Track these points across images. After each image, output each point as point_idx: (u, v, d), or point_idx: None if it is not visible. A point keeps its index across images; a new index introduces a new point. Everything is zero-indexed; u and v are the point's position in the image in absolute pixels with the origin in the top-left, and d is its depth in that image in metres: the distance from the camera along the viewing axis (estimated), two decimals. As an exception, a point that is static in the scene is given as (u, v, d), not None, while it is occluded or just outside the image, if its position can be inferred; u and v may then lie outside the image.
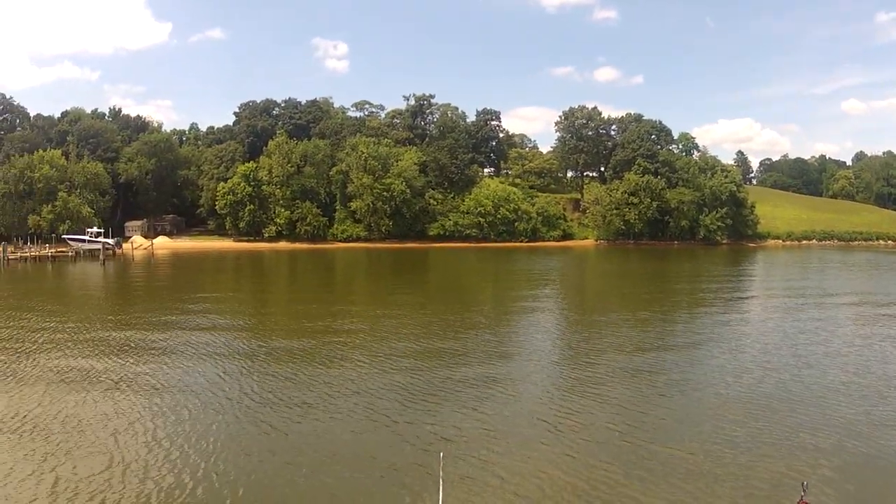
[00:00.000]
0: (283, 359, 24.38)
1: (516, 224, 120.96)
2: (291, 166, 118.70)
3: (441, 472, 9.85)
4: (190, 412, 17.57)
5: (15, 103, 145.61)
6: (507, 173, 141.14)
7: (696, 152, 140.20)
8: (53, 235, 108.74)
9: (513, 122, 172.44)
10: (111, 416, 17.25)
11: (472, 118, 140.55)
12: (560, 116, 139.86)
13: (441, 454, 11.34)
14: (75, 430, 16.07)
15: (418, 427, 16.15)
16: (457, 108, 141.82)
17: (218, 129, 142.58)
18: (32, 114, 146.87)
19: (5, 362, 23.97)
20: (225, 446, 14.97)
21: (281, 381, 20.87)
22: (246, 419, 16.95)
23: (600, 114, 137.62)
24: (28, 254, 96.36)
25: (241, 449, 14.81)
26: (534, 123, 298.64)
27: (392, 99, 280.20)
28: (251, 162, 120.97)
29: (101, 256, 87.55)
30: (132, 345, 27.00)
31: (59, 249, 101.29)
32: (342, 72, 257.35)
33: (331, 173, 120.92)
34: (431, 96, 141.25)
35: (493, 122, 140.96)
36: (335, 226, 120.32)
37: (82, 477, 13.25)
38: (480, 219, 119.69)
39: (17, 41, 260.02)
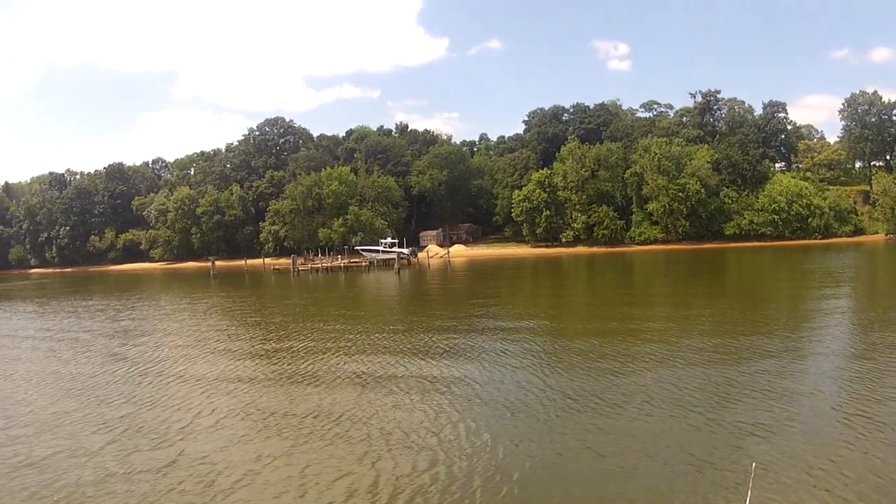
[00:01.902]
0: (587, 358, 26.62)
1: (809, 220, 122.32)
2: (585, 171, 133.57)
3: (751, 484, 10.40)
4: (506, 411, 19.64)
5: (296, 125, 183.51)
6: (797, 167, 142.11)
7: None
8: (346, 247, 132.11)
9: (798, 113, 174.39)
10: (431, 416, 19.53)
11: (757, 111, 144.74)
12: (843, 104, 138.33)
13: (753, 465, 12.16)
14: (396, 429, 18.44)
15: (726, 425, 17.19)
16: (743, 102, 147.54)
17: (509, 137, 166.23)
18: (315, 134, 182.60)
19: (320, 364, 28.25)
20: (541, 446, 16.67)
21: (588, 380, 22.89)
22: (559, 419, 18.72)
23: (881, 98, 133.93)
24: (319, 265, 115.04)
25: (554, 449, 16.33)
26: (819, 112, 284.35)
27: (676, 96, 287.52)
28: (545, 168, 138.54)
29: (395, 266, 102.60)
30: (439, 347, 30.88)
31: (352, 260, 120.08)
32: (625, 72, 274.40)
33: (625, 176, 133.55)
34: (717, 92, 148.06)
35: (780, 115, 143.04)
36: (632, 228, 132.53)
37: (402, 475, 15.15)
38: (774, 216, 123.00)
39: (291, 67, 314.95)
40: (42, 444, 18.99)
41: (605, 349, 28.22)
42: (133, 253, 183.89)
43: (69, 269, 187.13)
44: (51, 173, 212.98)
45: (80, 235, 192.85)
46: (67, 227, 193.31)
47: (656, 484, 13.88)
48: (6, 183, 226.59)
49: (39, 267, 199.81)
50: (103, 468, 16.70)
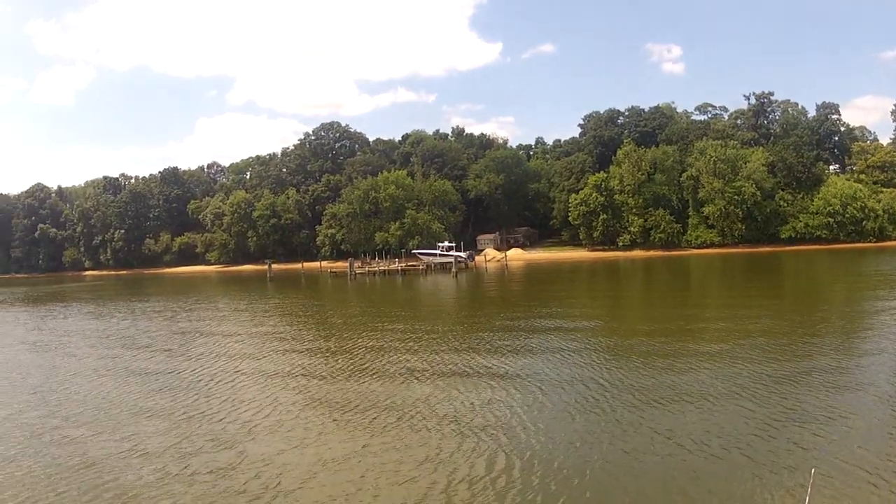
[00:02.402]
0: (647, 357, 28.75)
1: (864, 223, 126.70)
2: (642, 174, 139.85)
3: (809, 490, 10.86)
4: (573, 410, 21.33)
5: (352, 130, 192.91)
6: (850, 169, 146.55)
7: None
8: (403, 250, 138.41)
9: (850, 114, 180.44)
10: (500, 415, 21.14)
11: (811, 113, 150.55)
12: (895, 105, 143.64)
13: (812, 470, 12.54)
14: (468, 429, 19.86)
15: (786, 425, 18.40)
16: (797, 104, 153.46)
17: (565, 141, 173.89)
18: (371, 139, 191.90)
19: (384, 363, 30.56)
20: (612, 445, 17.82)
21: (648, 378, 24.70)
22: (624, 417, 20.16)
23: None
24: (376, 268, 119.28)
25: (624, 449, 17.49)
26: (871, 114, 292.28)
27: (730, 98, 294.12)
28: (601, 172, 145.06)
29: (452, 269, 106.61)
30: (502, 347, 33.61)
31: (409, 263, 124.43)
32: (679, 74, 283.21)
33: (681, 179, 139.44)
34: (771, 93, 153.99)
35: (834, 116, 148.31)
36: (688, 232, 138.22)
37: (476, 476, 16.16)
38: (829, 219, 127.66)
39: (345, 71, 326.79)
40: (99, 445, 20.31)
41: (664, 348, 30.56)
42: (188, 256, 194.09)
43: (123, 272, 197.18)
44: (105, 177, 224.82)
45: (135, 238, 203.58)
46: (122, 230, 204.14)
47: (720, 485, 14.77)
48: (59, 187, 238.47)
49: (93, 269, 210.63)
50: (163, 470, 17.73)
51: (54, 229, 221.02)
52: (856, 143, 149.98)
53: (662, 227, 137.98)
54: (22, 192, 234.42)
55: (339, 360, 32.19)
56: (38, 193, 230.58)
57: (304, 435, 20.29)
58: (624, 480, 15.49)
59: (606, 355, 30.08)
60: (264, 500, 15.67)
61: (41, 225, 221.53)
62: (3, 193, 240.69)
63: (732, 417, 19.55)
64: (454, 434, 19.50)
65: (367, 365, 30.64)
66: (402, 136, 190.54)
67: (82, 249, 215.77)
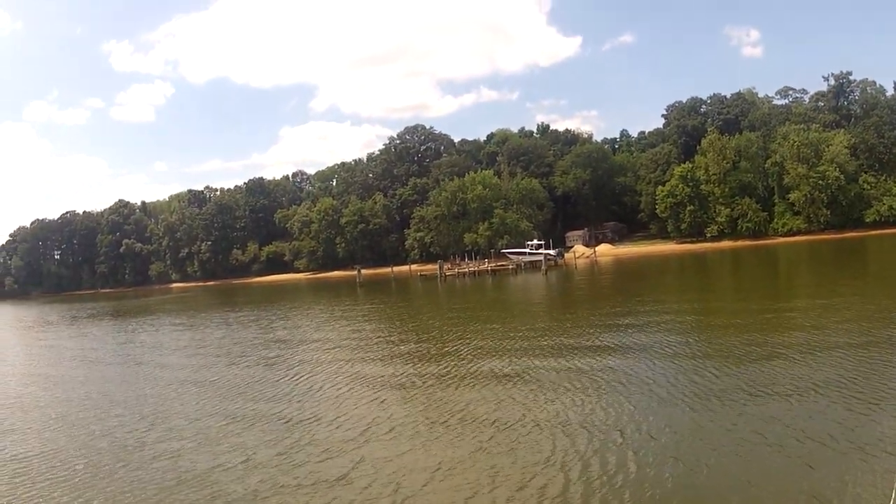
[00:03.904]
0: (746, 350, 30.31)
1: None
2: (727, 163, 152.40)
3: (893, 497, 10.75)
4: (682, 405, 22.67)
5: (436, 132, 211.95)
6: None
7: None
8: (492, 251, 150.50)
9: None
10: (611, 413, 22.42)
11: (889, 91, 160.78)
12: None
13: None
14: (580, 429, 20.98)
15: (871, 424, 18.77)
16: (874, 83, 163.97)
17: (649, 133, 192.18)
18: (456, 140, 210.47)
19: (488, 365, 32.27)
20: (722, 438, 18.94)
21: (752, 372, 26.04)
22: (702, 411, 21.66)
23: None
24: (466, 269, 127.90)
25: (705, 442, 18.78)
26: None
27: (810, 80, 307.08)
28: (686, 163, 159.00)
29: (542, 267, 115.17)
30: (605, 344, 35.38)
31: (498, 263, 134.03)
32: (758, 58, 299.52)
33: (765, 166, 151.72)
34: (849, 73, 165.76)
35: None
36: (775, 220, 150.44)
37: (592, 476, 17.12)
38: None
39: (427, 73, 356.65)
40: (203, 457, 21.11)
41: (761, 340, 32.30)
42: (276, 264, 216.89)
43: (211, 282, 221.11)
44: (190, 191, 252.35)
45: (222, 249, 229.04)
46: (209, 242, 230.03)
47: (832, 480, 15.43)
48: (143, 202, 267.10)
49: (180, 281, 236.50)
50: (272, 480, 18.62)
51: (140, 244, 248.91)
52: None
53: (749, 215, 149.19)
54: (106, 209, 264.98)
55: (442, 364, 34.09)
56: (122, 209, 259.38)
57: (413, 441, 21.24)
58: (744, 474, 16.42)
59: (713, 351, 31.76)
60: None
61: (126, 240, 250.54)
62: (88, 211, 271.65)
63: (839, 409, 20.42)
64: (564, 434, 20.57)
65: (469, 367, 32.53)
66: (487, 136, 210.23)
67: (168, 262, 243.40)
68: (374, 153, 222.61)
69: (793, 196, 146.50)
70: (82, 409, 30.57)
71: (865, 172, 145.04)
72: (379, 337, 48.64)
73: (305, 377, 33.35)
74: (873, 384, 22.55)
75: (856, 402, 20.69)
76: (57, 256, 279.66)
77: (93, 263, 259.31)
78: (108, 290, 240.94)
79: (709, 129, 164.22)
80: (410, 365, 34.69)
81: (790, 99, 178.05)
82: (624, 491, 16.07)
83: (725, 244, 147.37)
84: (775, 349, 30.00)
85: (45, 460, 22.47)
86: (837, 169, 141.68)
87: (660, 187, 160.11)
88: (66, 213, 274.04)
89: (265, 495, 17.65)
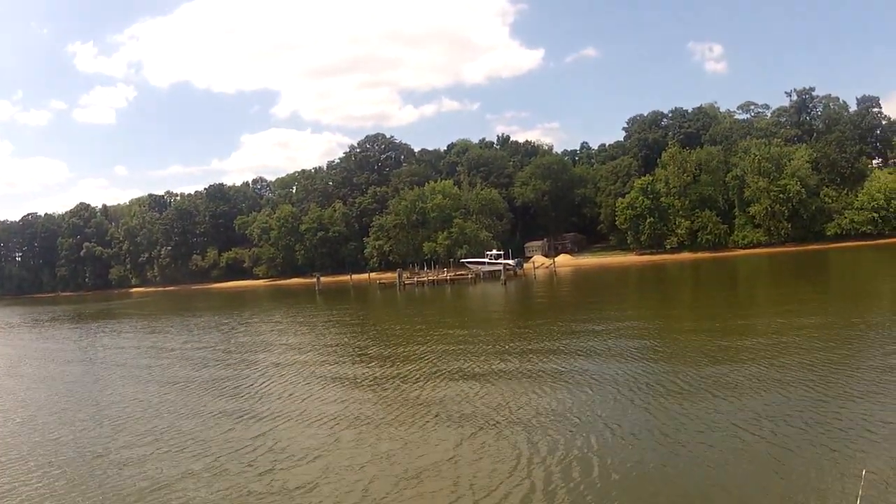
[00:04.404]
0: (692, 356, 31.36)
1: None
2: (687, 176, 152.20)
3: (860, 492, 11.15)
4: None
5: (397, 141, 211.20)
6: (893, 163, 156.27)
7: None
8: (451, 260, 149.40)
9: (891, 107, 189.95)
10: (584, 408, 23.28)
11: (852, 107, 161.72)
12: None
13: (864, 472, 12.87)
14: (559, 420, 22.09)
15: (836, 429, 18.88)
16: (837, 99, 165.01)
17: (609, 145, 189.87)
18: (416, 149, 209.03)
19: (462, 369, 32.42)
20: (696, 437, 19.38)
21: (695, 378, 26.50)
22: (692, 411, 21.90)
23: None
24: (425, 278, 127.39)
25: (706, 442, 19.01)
26: None
27: (772, 95, 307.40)
28: (647, 175, 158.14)
29: (501, 277, 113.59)
30: (563, 348, 36.38)
31: (457, 273, 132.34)
32: (721, 73, 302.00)
33: (726, 179, 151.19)
34: (812, 89, 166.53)
35: (875, 109, 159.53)
36: (735, 232, 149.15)
37: (574, 477, 17.35)
38: (874, 214, 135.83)
39: (388, 83, 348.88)
40: (170, 464, 20.89)
41: (723, 344, 33.89)
42: (236, 270, 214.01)
43: (171, 288, 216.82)
44: (150, 195, 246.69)
45: (182, 255, 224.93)
46: (169, 247, 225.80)
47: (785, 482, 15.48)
48: (104, 206, 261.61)
49: (140, 286, 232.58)
50: (240, 488, 18.43)
51: (100, 247, 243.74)
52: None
53: (709, 228, 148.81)
54: (67, 212, 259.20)
55: (406, 368, 34.52)
56: (82, 213, 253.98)
57: (378, 447, 21.22)
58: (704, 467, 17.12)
59: (667, 355, 32.98)
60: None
61: (86, 243, 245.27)
62: (49, 214, 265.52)
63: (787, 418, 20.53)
64: (530, 437, 20.86)
65: (433, 371, 32.98)
66: (448, 146, 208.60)
67: (128, 267, 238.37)
68: (334, 161, 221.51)
69: (753, 209, 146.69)
70: (48, 413, 30.13)
71: (827, 186, 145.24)
72: (341, 343, 48.83)
73: (269, 382, 33.37)
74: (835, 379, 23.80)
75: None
76: (18, 258, 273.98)
77: (53, 266, 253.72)
78: (67, 294, 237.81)
79: (670, 143, 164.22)
80: (375, 369, 35.11)
81: (752, 114, 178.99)
82: (605, 493, 16.31)
83: (685, 256, 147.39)
84: (736, 353, 31.22)
85: (7, 469, 21.78)
86: (799, 183, 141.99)
87: (620, 199, 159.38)
88: (28, 214, 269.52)
89: (232, 502, 17.49)
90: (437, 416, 24.22)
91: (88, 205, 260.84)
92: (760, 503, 14.97)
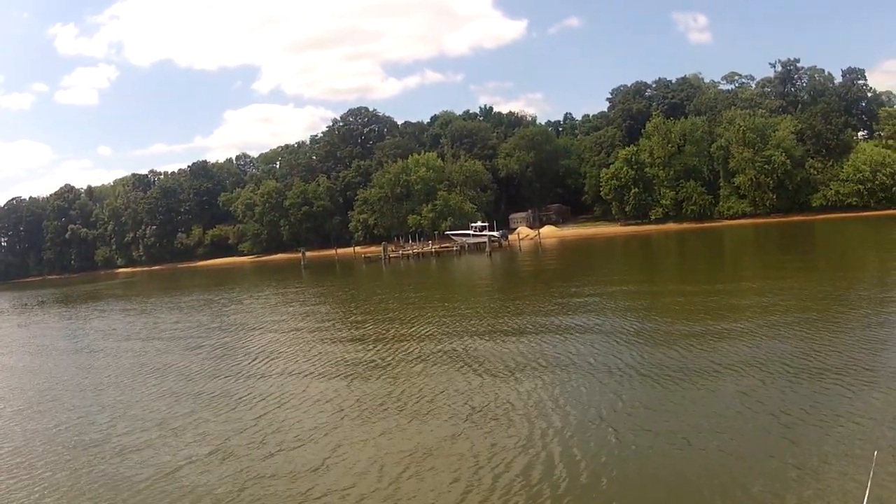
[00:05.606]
0: (694, 336, 29.58)
1: (894, 189, 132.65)
2: (672, 146, 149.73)
3: (871, 474, 10.75)
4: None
5: (380, 114, 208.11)
6: (878, 135, 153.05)
7: None
8: (436, 232, 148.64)
9: (877, 79, 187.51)
10: (575, 388, 22.99)
11: (837, 79, 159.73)
12: None
13: (875, 453, 12.13)
14: (550, 401, 21.53)
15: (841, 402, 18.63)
16: (823, 70, 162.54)
17: (593, 116, 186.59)
18: (400, 122, 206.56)
19: (448, 346, 31.95)
20: (689, 411, 19.48)
21: (693, 357, 25.72)
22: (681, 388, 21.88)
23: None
24: (410, 251, 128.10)
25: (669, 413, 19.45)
26: None
27: (757, 66, 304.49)
28: (631, 146, 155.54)
29: (486, 249, 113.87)
30: (549, 323, 35.69)
31: (442, 245, 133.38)
32: (705, 44, 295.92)
33: (711, 150, 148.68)
34: (797, 60, 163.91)
35: (860, 81, 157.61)
36: (720, 203, 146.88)
37: (574, 457, 16.96)
38: (860, 186, 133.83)
39: (371, 56, 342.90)
40: (172, 449, 20.37)
41: (713, 308, 34.50)
42: (221, 247, 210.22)
43: (157, 267, 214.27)
44: (134, 174, 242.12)
45: (167, 233, 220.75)
46: (154, 227, 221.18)
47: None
48: (89, 186, 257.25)
49: (126, 266, 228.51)
50: (247, 471, 17.94)
51: (85, 229, 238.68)
52: (882, 109, 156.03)
53: (694, 198, 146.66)
54: (51, 195, 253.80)
55: (403, 345, 34.07)
56: (67, 195, 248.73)
57: (387, 423, 20.97)
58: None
59: (654, 331, 32.34)
60: (354, 498, 16.06)
61: (72, 225, 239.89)
62: (33, 197, 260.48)
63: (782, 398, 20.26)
64: (540, 414, 20.48)
65: (431, 348, 32.26)
66: (431, 118, 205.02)
67: (114, 247, 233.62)
68: (317, 135, 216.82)
69: (738, 180, 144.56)
70: (41, 401, 29.44)
71: (812, 158, 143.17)
72: (334, 319, 48.21)
73: (266, 361, 32.84)
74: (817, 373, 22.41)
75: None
76: (4, 243, 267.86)
77: (39, 250, 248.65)
78: (54, 277, 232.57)
79: (654, 113, 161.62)
80: (371, 346, 34.45)
81: (736, 84, 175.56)
82: (610, 467, 16.25)
83: (670, 226, 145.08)
84: (715, 332, 30.35)
85: (4, 459, 21.16)
86: (784, 154, 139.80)
87: (604, 170, 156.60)
88: (13, 199, 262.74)
89: (242, 487, 16.91)
90: (438, 394, 23.78)
91: (73, 187, 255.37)
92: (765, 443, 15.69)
